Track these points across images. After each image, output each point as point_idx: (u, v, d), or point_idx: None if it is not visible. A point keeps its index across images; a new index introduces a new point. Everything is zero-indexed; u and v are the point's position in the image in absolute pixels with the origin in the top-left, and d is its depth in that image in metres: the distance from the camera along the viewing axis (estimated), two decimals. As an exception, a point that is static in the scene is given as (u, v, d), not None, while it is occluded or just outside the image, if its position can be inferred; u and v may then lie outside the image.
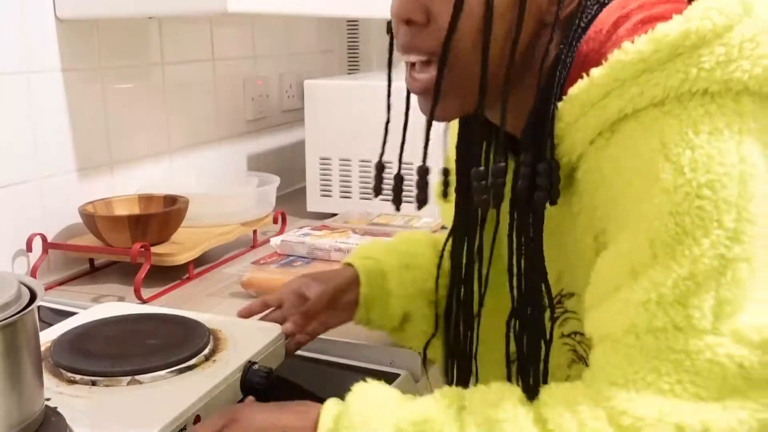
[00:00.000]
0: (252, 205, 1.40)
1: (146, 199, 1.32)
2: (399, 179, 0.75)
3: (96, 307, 0.94)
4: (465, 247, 0.78)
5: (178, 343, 0.79)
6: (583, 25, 0.65)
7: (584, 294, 0.65)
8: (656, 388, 0.57)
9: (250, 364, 0.77)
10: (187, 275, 1.22)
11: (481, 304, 0.80)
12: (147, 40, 1.43)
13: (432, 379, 0.92)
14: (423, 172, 0.71)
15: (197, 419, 0.69)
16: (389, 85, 0.74)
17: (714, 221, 0.55)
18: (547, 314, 0.70)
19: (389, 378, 0.86)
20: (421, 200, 0.72)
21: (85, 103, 1.29)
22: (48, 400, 0.66)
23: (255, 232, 1.39)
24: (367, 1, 1.49)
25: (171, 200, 1.29)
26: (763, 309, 0.57)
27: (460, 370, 0.81)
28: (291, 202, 1.66)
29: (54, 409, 0.63)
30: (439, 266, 0.86)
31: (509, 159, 0.69)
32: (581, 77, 0.61)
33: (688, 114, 0.57)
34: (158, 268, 1.18)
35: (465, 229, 0.78)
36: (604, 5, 0.66)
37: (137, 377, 0.73)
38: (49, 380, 0.72)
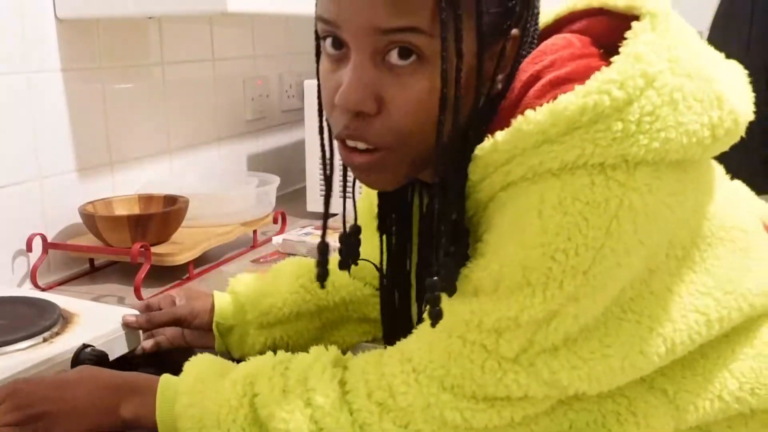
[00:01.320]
0: (252, 205, 1.40)
1: (146, 199, 1.32)
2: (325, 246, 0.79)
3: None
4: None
5: (24, 325, 0.86)
6: (503, 92, 0.65)
7: None
8: (439, 383, 0.64)
9: (84, 346, 0.83)
10: (187, 275, 1.22)
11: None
12: (147, 40, 1.43)
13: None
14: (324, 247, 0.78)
15: None
16: (324, 147, 0.73)
17: (557, 282, 0.59)
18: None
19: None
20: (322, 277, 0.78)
21: (85, 103, 1.29)
22: None
23: (255, 232, 1.39)
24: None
25: (171, 200, 1.29)
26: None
27: None
28: (291, 202, 1.66)
29: None
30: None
31: (421, 194, 0.75)
32: (487, 137, 0.62)
33: (573, 181, 0.58)
34: (158, 268, 1.18)
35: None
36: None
37: None
38: None
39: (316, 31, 0.66)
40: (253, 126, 1.78)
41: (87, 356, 0.82)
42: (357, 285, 0.92)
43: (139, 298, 1.10)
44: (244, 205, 1.39)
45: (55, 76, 1.23)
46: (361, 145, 0.64)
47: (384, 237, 0.80)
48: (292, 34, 1.91)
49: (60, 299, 0.96)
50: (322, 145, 0.73)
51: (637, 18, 0.63)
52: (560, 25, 0.72)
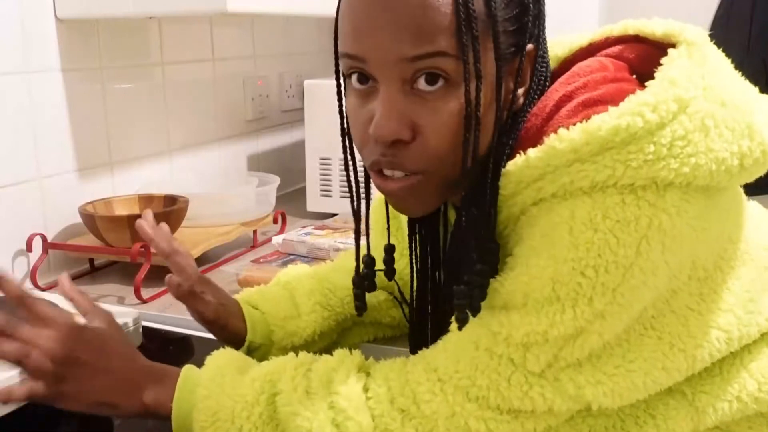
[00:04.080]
0: (252, 205, 1.40)
1: (146, 199, 1.32)
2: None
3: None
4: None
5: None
6: (528, 108, 0.67)
7: None
8: (464, 393, 0.65)
9: None
10: (187, 275, 1.21)
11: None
12: (147, 40, 1.43)
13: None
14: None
15: None
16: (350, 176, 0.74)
17: (586, 299, 0.60)
18: None
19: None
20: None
21: (85, 103, 1.29)
22: None
23: (255, 232, 1.39)
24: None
25: (171, 200, 1.29)
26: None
27: None
28: (291, 202, 1.66)
29: None
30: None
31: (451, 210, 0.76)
32: (519, 153, 0.63)
33: (603, 199, 0.59)
34: (158, 268, 1.17)
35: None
36: (544, 85, 0.68)
37: None
38: None
39: (337, 67, 0.68)
40: (253, 126, 1.78)
41: None
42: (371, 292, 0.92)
43: (139, 298, 1.10)
44: (244, 205, 1.39)
45: (55, 76, 1.23)
46: (398, 174, 0.65)
47: (413, 252, 0.81)
48: (292, 34, 1.91)
49: (60, 299, 0.96)
50: (349, 181, 0.74)
51: (673, 46, 0.64)
52: (594, 49, 0.73)
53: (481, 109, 0.61)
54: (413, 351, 0.82)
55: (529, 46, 0.65)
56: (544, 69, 0.69)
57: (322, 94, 1.55)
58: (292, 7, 1.30)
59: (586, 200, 0.59)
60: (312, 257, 1.26)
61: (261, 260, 1.25)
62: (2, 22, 1.13)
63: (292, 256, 1.27)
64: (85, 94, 1.29)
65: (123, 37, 1.36)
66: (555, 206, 0.61)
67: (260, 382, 0.69)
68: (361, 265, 0.79)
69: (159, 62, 1.46)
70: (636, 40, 0.70)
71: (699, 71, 0.61)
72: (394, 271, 0.82)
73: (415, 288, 0.83)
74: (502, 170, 0.64)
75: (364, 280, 0.79)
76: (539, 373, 0.63)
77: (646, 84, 0.61)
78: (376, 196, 0.79)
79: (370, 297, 0.90)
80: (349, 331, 0.93)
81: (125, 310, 0.96)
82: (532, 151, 0.62)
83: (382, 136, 0.62)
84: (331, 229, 1.35)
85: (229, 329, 0.84)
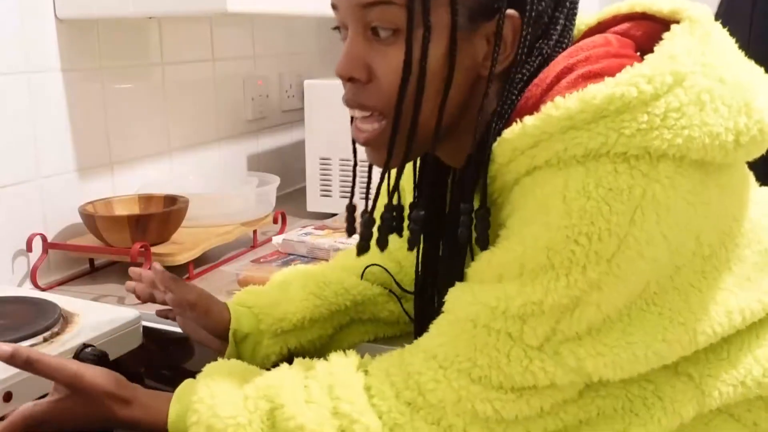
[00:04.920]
0: (252, 205, 1.40)
1: (146, 199, 1.32)
2: (351, 209, 0.80)
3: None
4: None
5: (23, 325, 0.86)
6: (522, 77, 0.68)
7: None
8: (467, 375, 0.65)
9: (84, 346, 0.83)
10: (187, 275, 1.21)
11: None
12: (147, 40, 1.43)
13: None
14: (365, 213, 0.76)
15: (7, 396, 0.73)
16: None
17: (580, 267, 0.60)
18: None
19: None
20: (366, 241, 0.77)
21: (85, 103, 1.29)
22: None
23: (255, 232, 1.39)
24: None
25: (171, 200, 1.29)
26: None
27: None
28: (291, 202, 1.66)
29: None
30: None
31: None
32: (516, 122, 0.65)
33: (596, 168, 0.60)
34: (158, 268, 1.17)
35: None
36: (547, 58, 0.69)
37: None
38: None
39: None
40: (253, 126, 1.78)
41: (87, 356, 0.82)
42: (366, 285, 0.92)
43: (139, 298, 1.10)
44: (244, 205, 1.39)
45: (55, 76, 1.23)
46: (357, 113, 0.71)
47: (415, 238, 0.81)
48: (292, 34, 1.91)
49: (60, 299, 0.96)
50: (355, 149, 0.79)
51: (678, 22, 0.65)
52: (602, 28, 0.74)
53: (428, 60, 0.65)
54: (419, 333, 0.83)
55: (510, 11, 0.67)
56: (545, 42, 0.69)
57: (322, 94, 1.54)
58: (292, 7, 1.30)
59: (580, 169, 0.60)
60: (312, 257, 1.26)
61: (261, 260, 1.25)
62: (2, 22, 1.13)
63: (292, 256, 1.27)
64: (85, 94, 1.29)
65: (123, 37, 1.36)
66: (549, 177, 0.62)
67: (254, 400, 0.68)
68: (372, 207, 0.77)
69: (159, 62, 1.46)
70: (643, 17, 0.71)
71: (700, 48, 0.62)
72: (399, 228, 0.80)
73: (420, 259, 0.83)
74: (499, 138, 0.66)
75: (373, 222, 0.76)
76: (538, 347, 0.63)
77: (644, 58, 0.62)
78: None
79: (365, 289, 0.91)
80: (348, 329, 0.93)
81: (125, 310, 0.96)
82: (528, 119, 0.63)
83: (338, 73, 0.69)
84: (331, 229, 1.35)
85: (212, 315, 0.86)
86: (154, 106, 1.45)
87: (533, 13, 0.67)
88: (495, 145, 0.66)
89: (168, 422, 0.70)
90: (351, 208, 0.79)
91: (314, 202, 1.59)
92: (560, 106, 0.61)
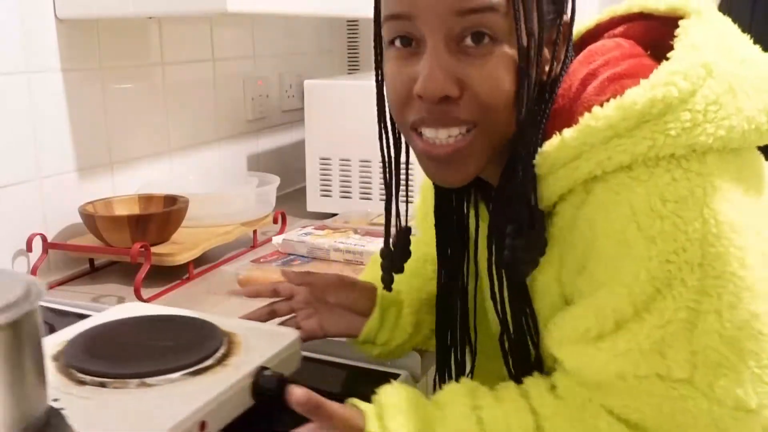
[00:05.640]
0: (252, 205, 1.40)
1: (146, 199, 1.32)
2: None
3: (114, 308, 0.92)
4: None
5: (191, 346, 0.77)
6: (559, 85, 0.67)
7: (546, 325, 0.70)
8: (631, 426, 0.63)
9: (262, 369, 0.74)
10: (187, 275, 1.22)
11: (475, 332, 0.84)
12: (147, 40, 1.43)
13: (431, 378, 0.92)
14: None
15: (203, 425, 0.67)
16: (382, 134, 0.75)
17: (678, 280, 0.59)
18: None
19: (390, 378, 0.85)
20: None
21: (85, 103, 1.29)
22: (56, 400, 0.65)
23: (255, 231, 1.39)
24: (367, 1, 1.48)
25: (171, 200, 1.29)
26: None
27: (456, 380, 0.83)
28: (291, 202, 1.66)
29: (57, 410, 0.62)
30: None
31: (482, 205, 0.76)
32: (554, 134, 0.64)
33: (655, 182, 0.59)
34: (158, 268, 1.18)
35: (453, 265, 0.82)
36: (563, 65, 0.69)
37: (146, 380, 0.70)
38: (59, 381, 0.71)
39: (376, 38, 0.69)
40: (253, 126, 1.78)
41: (268, 381, 0.73)
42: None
43: (139, 298, 1.10)
44: (244, 205, 1.39)
45: (55, 76, 1.23)
46: (455, 131, 0.65)
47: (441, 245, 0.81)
48: (292, 34, 1.91)
49: (214, 318, 0.85)
50: (382, 150, 0.75)
51: (677, 20, 0.66)
52: (601, 30, 0.75)
53: (527, 67, 0.63)
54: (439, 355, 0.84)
55: (565, 18, 0.67)
56: (569, 51, 0.70)
57: (322, 94, 1.54)
58: (292, 7, 1.30)
59: (639, 190, 0.59)
60: (312, 257, 1.26)
61: (261, 260, 1.25)
62: (2, 22, 1.13)
63: (292, 256, 1.27)
64: (85, 94, 1.29)
65: (123, 37, 1.36)
66: (609, 205, 0.61)
67: None
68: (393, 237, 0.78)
69: (159, 62, 1.46)
70: (641, 17, 0.72)
71: (714, 34, 0.63)
72: (410, 253, 0.80)
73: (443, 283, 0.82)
74: (539, 150, 0.65)
75: (393, 253, 0.78)
76: (688, 380, 0.60)
77: (668, 56, 0.62)
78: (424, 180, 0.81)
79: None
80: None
81: (281, 329, 0.86)
82: (567, 131, 0.63)
83: (430, 91, 0.63)
84: (331, 229, 1.35)
85: (358, 285, 0.87)
86: (154, 106, 1.45)
87: (574, 21, 0.68)
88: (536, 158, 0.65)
89: None
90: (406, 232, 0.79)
91: (314, 202, 1.59)
92: (599, 116, 0.61)
